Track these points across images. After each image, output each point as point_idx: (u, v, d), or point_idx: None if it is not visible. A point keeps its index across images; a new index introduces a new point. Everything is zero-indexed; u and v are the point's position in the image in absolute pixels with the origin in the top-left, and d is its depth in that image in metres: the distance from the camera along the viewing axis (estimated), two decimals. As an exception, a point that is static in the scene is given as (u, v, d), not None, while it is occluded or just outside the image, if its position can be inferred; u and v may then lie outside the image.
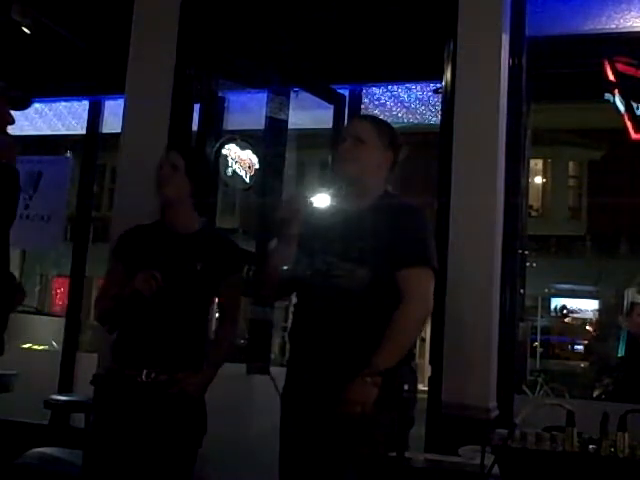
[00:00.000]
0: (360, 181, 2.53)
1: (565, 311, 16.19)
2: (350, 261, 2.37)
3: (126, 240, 2.79)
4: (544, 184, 16.78)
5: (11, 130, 2.89)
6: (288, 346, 2.57)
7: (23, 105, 3.22)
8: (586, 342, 14.98)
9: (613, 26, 3.72)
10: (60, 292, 14.34)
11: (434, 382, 3.25)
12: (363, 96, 4.91)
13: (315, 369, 2.39)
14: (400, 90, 4.90)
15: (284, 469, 2.45)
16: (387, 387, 2.23)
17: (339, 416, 2.23)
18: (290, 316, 2.59)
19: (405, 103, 4.94)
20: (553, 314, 16.26)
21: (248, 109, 5.03)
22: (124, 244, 2.78)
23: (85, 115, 5.38)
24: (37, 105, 5.65)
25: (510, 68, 3.46)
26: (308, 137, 6.10)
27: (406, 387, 2.21)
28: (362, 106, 4.89)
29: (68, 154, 5.90)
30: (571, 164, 16.87)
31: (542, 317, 15.75)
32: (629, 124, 3.80)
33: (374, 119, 2.78)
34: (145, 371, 2.60)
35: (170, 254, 2.69)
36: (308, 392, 2.39)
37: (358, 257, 2.37)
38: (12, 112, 2.77)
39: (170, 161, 2.74)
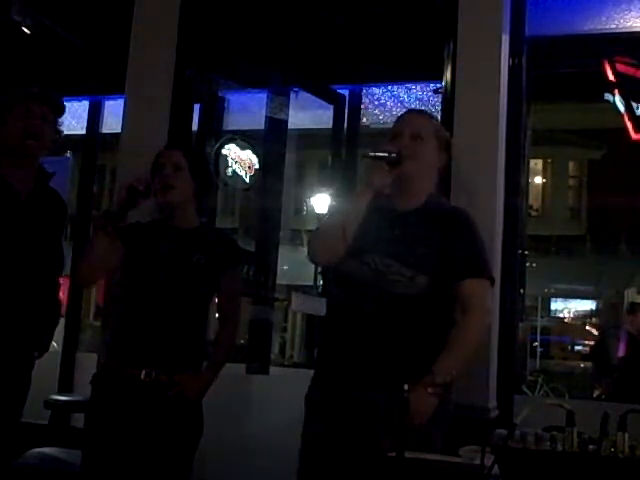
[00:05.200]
0: (414, 181, 2.37)
1: (566, 312, 16.20)
2: (408, 267, 2.27)
3: (127, 229, 2.64)
4: (544, 184, 16.79)
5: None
6: (319, 344, 2.46)
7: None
8: (586, 342, 14.97)
9: (613, 26, 3.71)
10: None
11: (434, 382, 3.24)
12: (363, 96, 4.91)
13: (359, 372, 2.28)
14: (400, 90, 4.90)
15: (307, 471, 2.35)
16: (443, 400, 2.20)
17: (400, 427, 2.05)
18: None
19: (405, 103, 4.93)
20: (553, 314, 16.27)
21: (248, 109, 5.03)
22: (126, 229, 2.63)
23: (85, 115, 5.37)
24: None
25: (510, 68, 3.45)
26: (308, 137, 6.11)
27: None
28: (362, 106, 4.89)
29: (68, 154, 5.88)
30: (571, 164, 16.87)
31: (542, 317, 15.74)
32: (629, 124, 3.81)
33: (431, 116, 2.61)
34: (145, 370, 2.54)
35: (171, 246, 2.63)
36: (346, 396, 2.28)
37: (416, 263, 2.27)
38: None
39: (173, 161, 2.65)
